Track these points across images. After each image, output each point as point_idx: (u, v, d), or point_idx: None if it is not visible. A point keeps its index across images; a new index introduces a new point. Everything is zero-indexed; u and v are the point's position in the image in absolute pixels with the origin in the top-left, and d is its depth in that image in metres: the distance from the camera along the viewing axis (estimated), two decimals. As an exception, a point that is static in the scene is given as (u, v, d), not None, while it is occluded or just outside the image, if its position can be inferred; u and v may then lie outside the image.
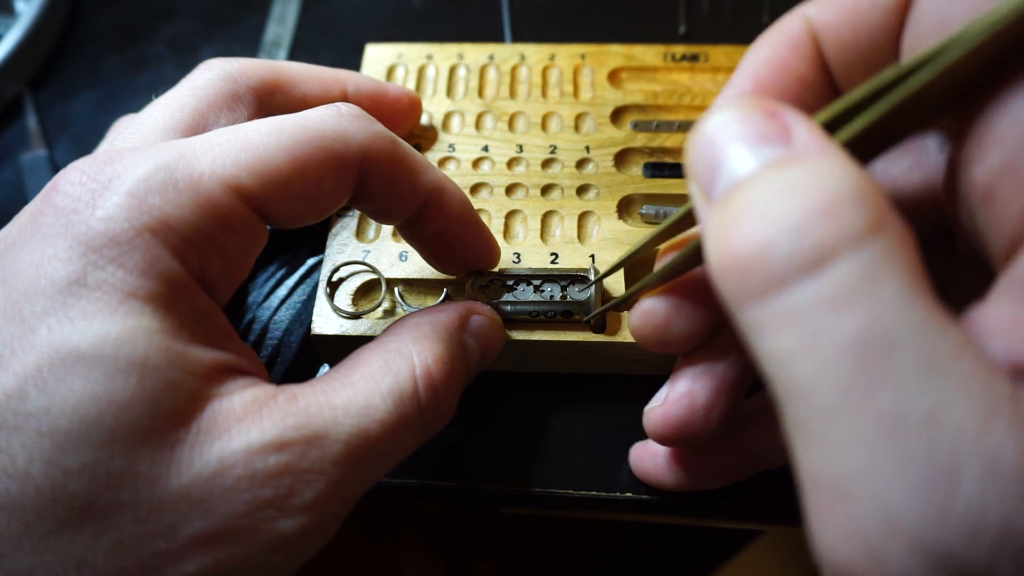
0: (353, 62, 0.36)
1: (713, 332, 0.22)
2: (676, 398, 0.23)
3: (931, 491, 0.12)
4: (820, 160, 0.14)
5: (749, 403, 0.25)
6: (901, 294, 0.13)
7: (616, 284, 0.29)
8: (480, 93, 0.35)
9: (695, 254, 0.20)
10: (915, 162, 0.21)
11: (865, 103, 0.16)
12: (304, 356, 0.32)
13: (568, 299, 0.28)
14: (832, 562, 0.13)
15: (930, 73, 0.15)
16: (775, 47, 0.20)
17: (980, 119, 0.16)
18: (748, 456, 0.25)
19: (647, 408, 0.24)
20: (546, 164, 0.32)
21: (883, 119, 0.16)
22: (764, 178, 0.14)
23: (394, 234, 0.30)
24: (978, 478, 0.12)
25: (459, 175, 0.32)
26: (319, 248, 0.34)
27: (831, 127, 0.16)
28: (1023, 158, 0.14)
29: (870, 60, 0.19)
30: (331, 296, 0.29)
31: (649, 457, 0.27)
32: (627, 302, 0.25)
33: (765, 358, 0.14)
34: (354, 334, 0.28)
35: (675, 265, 0.21)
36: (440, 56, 0.36)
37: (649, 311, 0.22)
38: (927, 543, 0.12)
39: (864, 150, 0.17)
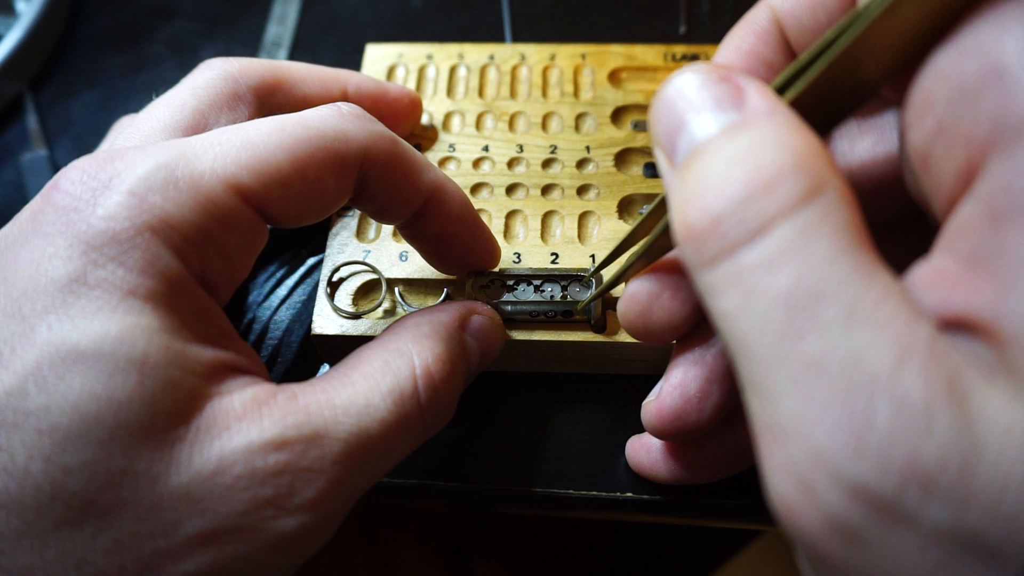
0: (353, 62, 0.36)
1: (698, 319, 0.23)
2: (669, 390, 0.23)
3: (849, 429, 0.13)
4: (767, 125, 0.16)
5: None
6: (832, 250, 0.14)
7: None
8: (480, 93, 0.35)
9: (668, 229, 0.21)
10: (879, 138, 0.22)
11: (811, 64, 0.17)
12: (304, 356, 0.32)
13: (568, 299, 0.28)
14: (776, 502, 0.14)
15: (856, 30, 0.16)
16: (744, 36, 0.21)
17: (915, 83, 0.16)
18: (741, 451, 0.25)
19: (644, 402, 0.24)
20: (546, 164, 0.32)
21: (822, 78, 0.17)
22: (717, 146, 0.16)
23: (394, 234, 0.30)
24: (889, 416, 0.13)
25: (459, 175, 0.32)
26: (319, 248, 0.34)
27: (784, 91, 0.18)
28: (952, 119, 0.15)
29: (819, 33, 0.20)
30: (331, 296, 0.29)
31: (644, 451, 0.27)
32: (615, 286, 0.26)
33: (717, 318, 0.15)
34: (354, 334, 0.28)
35: (655, 242, 0.22)
36: (440, 56, 0.36)
37: (633, 295, 0.23)
38: (847, 476, 0.13)
39: (818, 116, 0.17)
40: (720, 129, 0.16)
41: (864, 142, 0.22)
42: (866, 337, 0.13)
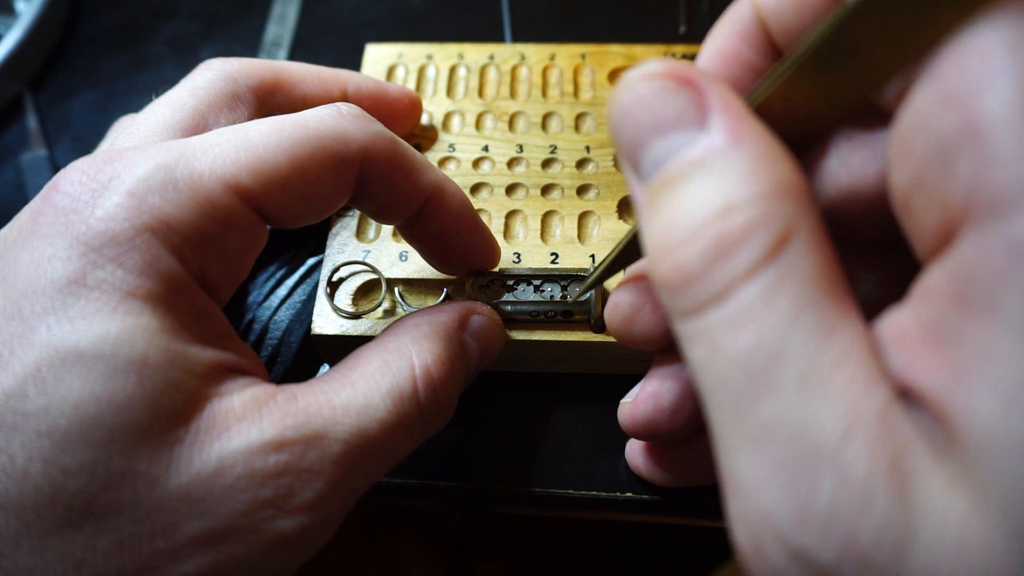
0: (353, 62, 0.36)
1: None
2: (644, 398, 0.23)
3: (795, 497, 0.13)
4: (734, 158, 0.15)
5: None
6: (794, 308, 0.14)
7: (615, 281, 0.28)
8: (480, 93, 0.35)
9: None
10: (871, 155, 0.20)
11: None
12: (304, 356, 0.32)
13: (568, 299, 0.28)
14: (735, 545, 0.15)
15: (824, 29, 0.15)
16: (726, 36, 0.20)
17: (896, 119, 0.15)
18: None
19: (621, 401, 0.25)
20: (546, 164, 0.32)
21: (790, 83, 0.16)
22: (684, 184, 0.15)
23: (394, 234, 0.30)
24: (831, 488, 0.13)
25: (459, 175, 0.32)
26: (319, 248, 0.34)
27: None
28: (930, 176, 0.13)
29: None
30: (331, 296, 0.29)
31: (643, 454, 0.27)
32: (600, 281, 0.26)
33: (688, 362, 0.15)
34: (354, 334, 0.28)
35: (629, 247, 0.22)
36: (440, 56, 0.36)
37: (616, 304, 0.23)
38: (790, 541, 0.13)
39: (794, 125, 0.16)
40: (685, 159, 0.15)
41: (855, 159, 0.20)
42: (817, 405, 0.13)
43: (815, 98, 0.16)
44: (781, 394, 0.13)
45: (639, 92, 0.16)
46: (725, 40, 0.19)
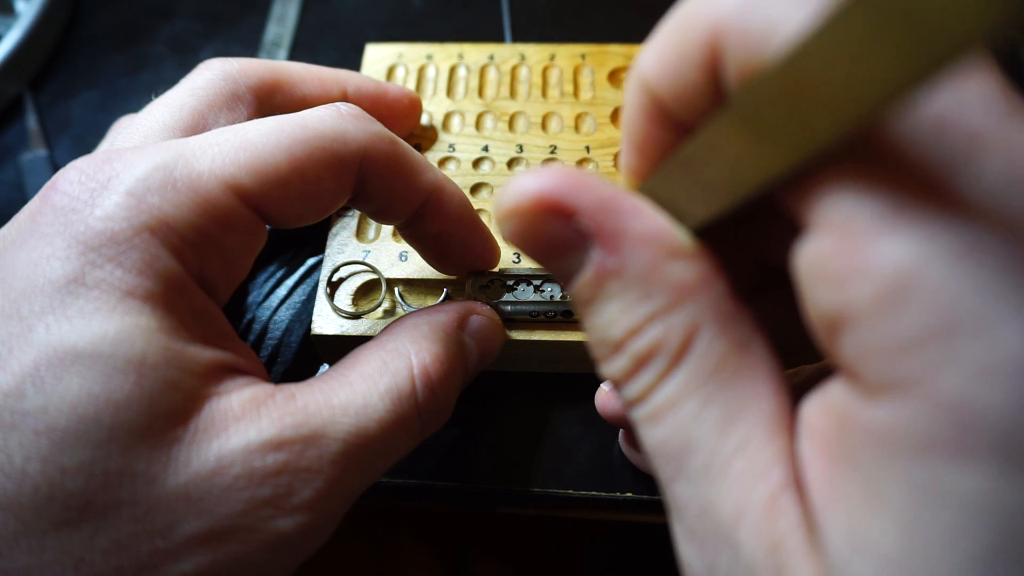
0: (353, 62, 0.36)
1: None
2: (615, 394, 0.24)
3: (703, 562, 0.15)
4: (624, 280, 0.15)
5: None
6: (699, 404, 0.15)
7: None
8: (480, 93, 0.35)
9: None
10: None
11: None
12: (304, 356, 0.32)
13: (568, 299, 0.28)
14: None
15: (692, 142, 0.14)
16: (631, 113, 0.17)
17: (792, 262, 0.14)
18: None
19: (600, 387, 0.26)
20: (546, 164, 0.32)
21: (671, 180, 0.16)
22: (589, 310, 0.16)
23: (394, 234, 0.30)
24: (727, 563, 0.14)
25: (459, 175, 0.32)
26: (319, 248, 0.34)
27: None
28: (821, 335, 0.14)
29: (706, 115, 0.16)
30: (331, 296, 0.29)
31: (622, 436, 0.28)
32: None
33: None
34: (354, 334, 0.28)
35: None
36: (440, 56, 0.36)
37: (605, 401, 0.25)
38: None
39: (693, 206, 0.15)
40: (582, 282, 0.16)
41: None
42: (717, 491, 0.14)
43: (712, 182, 0.15)
44: (689, 479, 0.15)
45: (513, 227, 0.16)
46: (633, 122, 0.18)
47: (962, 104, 0.12)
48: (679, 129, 0.17)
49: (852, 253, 0.12)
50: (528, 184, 0.15)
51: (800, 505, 0.14)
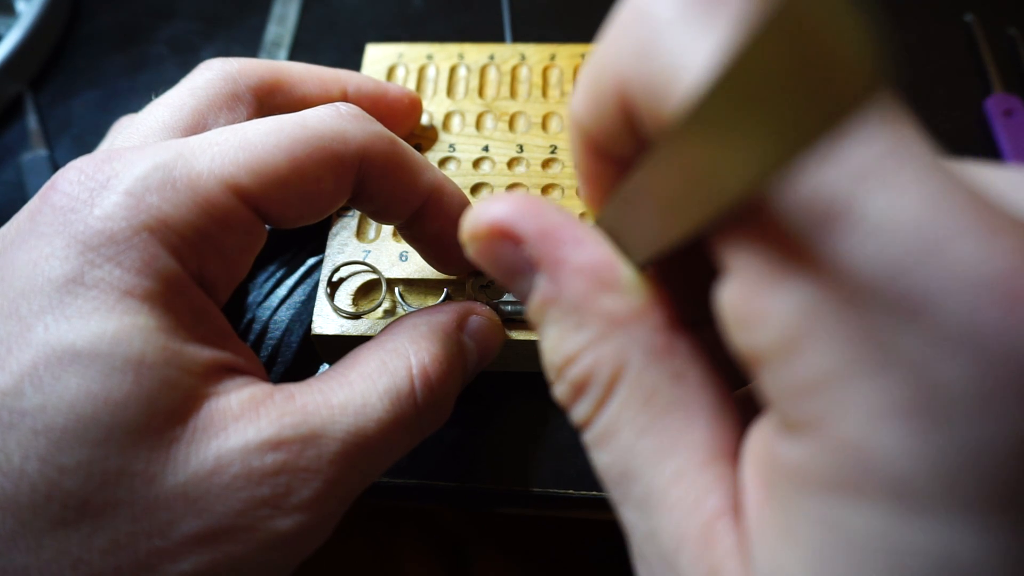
0: (353, 62, 0.36)
1: None
2: None
3: None
4: (561, 307, 0.16)
5: None
6: (634, 434, 0.15)
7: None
8: (480, 93, 0.35)
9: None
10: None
11: None
12: (304, 356, 0.32)
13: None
14: None
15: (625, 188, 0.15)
16: (575, 150, 0.18)
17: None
18: None
19: None
20: (546, 164, 0.32)
21: (608, 218, 0.16)
22: (540, 329, 0.17)
23: (394, 234, 0.30)
24: None
25: (459, 175, 0.32)
26: (319, 248, 0.34)
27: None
28: (745, 365, 0.14)
29: (639, 150, 0.17)
30: (331, 296, 0.29)
31: None
32: None
33: None
34: (354, 334, 0.28)
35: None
36: (440, 56, 0.36)
37: None
38: None
39: (643, 239, 0.16)
40: (531, 306, 0.17)
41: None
42: (656, 520, 0.15)
43: (643, 224, 0.15)
44: (633, 506, 0.15)
45: (475, 251, 0.17)
46: (576, 155, 0.18)
47: (830, 169, 0.12)
48: (617, 163, 0.18)
49: (753, 301, 0.12)
50: (486, 211, 0.16)
51: (736, 532, 0.14)
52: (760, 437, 0.14)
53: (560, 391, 0.17)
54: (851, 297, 0.11)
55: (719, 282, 0.14)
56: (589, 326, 0.15)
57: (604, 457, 0.16)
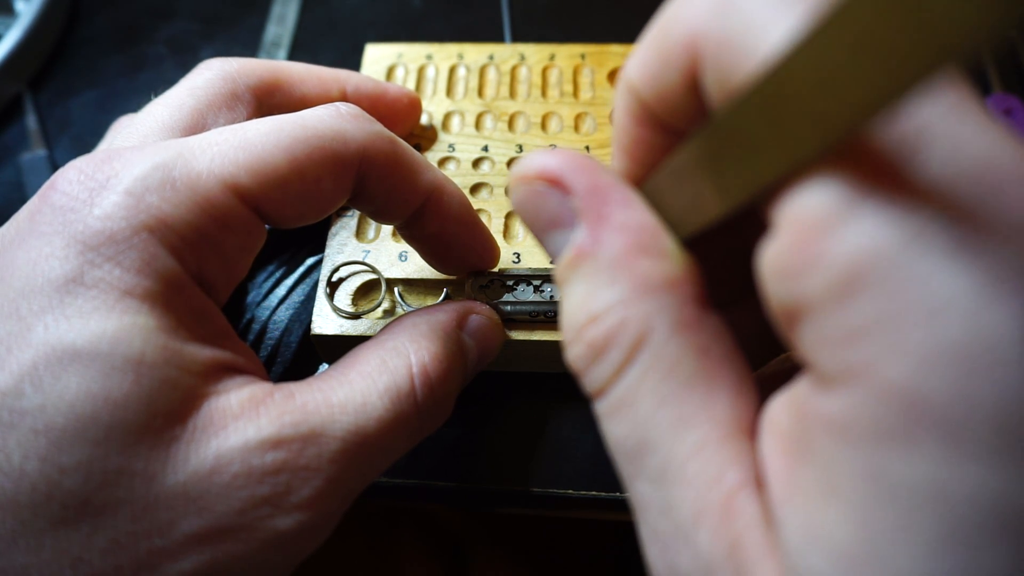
0: (353, 62, 0.36)
1: None
2: None
3: (664, 562, 0.15)
4: (596, 263, 0.16)
5: None
6: (654, 403, 0.15)
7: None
8: (480, 93, 0.35)
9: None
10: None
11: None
12: (303, 356, 0.32)
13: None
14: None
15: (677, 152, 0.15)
16: (620, 117, 0.18)
17: (757, 261, 0.14)
18: None
19: None
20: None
21: (663, 181, 0.16)
22: (565, 286, 0.17)
23: (394, 234, 0.30)
24: (688, 562, 0.14)
25: (459, 175, 0.32)
26: (318, 248, 0.34)
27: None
28: (781, 327, 0.14)
29: (696, 116, 0.16)
30: (331, 296, 0.29)
31: None
32: None
33: None
34: (354, 334, 0.28)
35: None
36: (440, 56, 0.36)
37: None
38: None
39: (687, 210, 0.16)
40: (563, 260, 0.16)
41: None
42: (674, 493, 0.15)
43: (699, 192, 0.15)
44: (649, 480, 0.15)
45: (519, 196, 0.17)
46: (621, 123, 0.18)
47: (902, 115, 0.12)
48: (667, 132, 0.17)
49: (807, 246, 0.12)
50: (538, 159, 0.17)
51: (759, 503, 0.14)
52: (785, 405, 0.14)
53: (576, 352, 0.16)
54: (916, 235, 0.11)
55: (764, 241, 0.13)
56: (621, 284, 0.15)
57: (620, 428, 0.16)
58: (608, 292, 0.15)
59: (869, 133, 0.12)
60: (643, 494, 0.15)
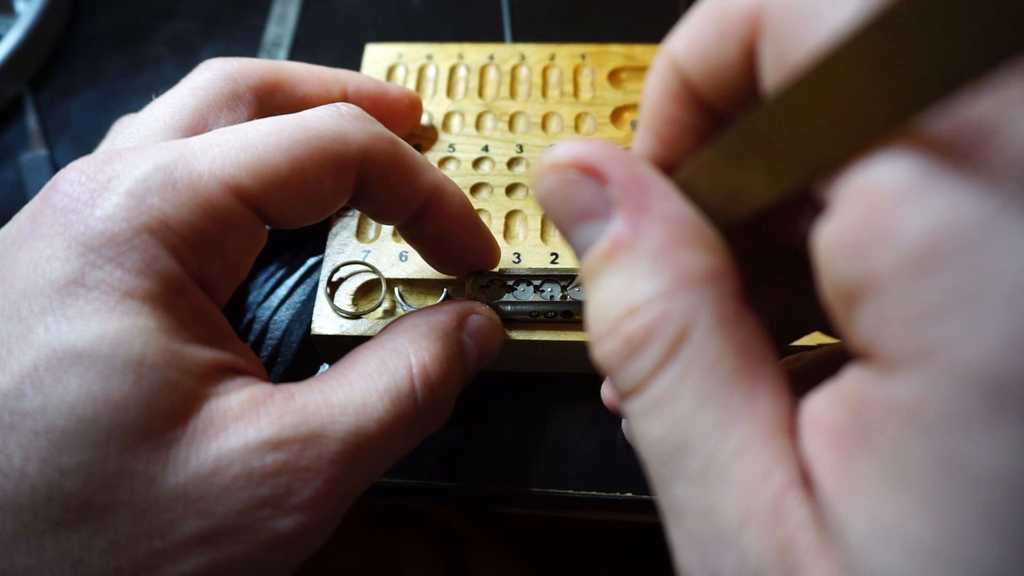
0: (353, 62, 0.36)
1: None
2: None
3: (705, 568, 0.14)
4: (635, 254, 0.15)
5: None
6: (696, 400, 0.14)
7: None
8: (480, 93, 0.35)
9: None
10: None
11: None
12: (304, 356, 0.32)
13: (568, 299, 0.28)
14: None
15: (728, 131, 0.14)
16: (655, 95, 0.17)
17: (814, 243, 0.14)
18: None
19: (605, 381, 0.26)
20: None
21: (708, 167, 0.15)
22: (597, 279, 0.16)
23: (394, 234, 0.30)
24: (733, 567, 0.14)
25: (459, 175, 0.32)
26: (319, 248, 0.34)
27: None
28: (840, 311, 0.13)
29: (742, 97, 0.16)
30: (331, 296, 0.29)
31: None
32: None
33: None
34: (354, 334, 0.28)
35: None
36: (440, 56, 0.36)
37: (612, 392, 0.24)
38: None
39: (726, 199, 0.15)
40: (596, 252, 0.16)
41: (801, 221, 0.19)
42: (717, 494, 0.14)
43: (747, 179, 0.15)
44: (688, 481, 0.14)
45: (549, 184, 0.16)
46: (656, 100, 0.17)
47: (974, 100, 0.11)
48: (708, 114, 0.17)
49: (878, 220, 0.12)
50: (573, 147, 0.16)
51: (808, 504, 0.13)
52: (832, 399, 0.14)
53: (609, 348, 0.15)
54: (997, 210, 0.11)
55: (819, 221, 0.13)
56: (662, 277, 0.15)
57: (657, 428, 0.15)
58: (649, 284, 0.15)
59: (946, 111, 0.11)
60: (680, 497, 0.15)
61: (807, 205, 0.15)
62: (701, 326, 0.15)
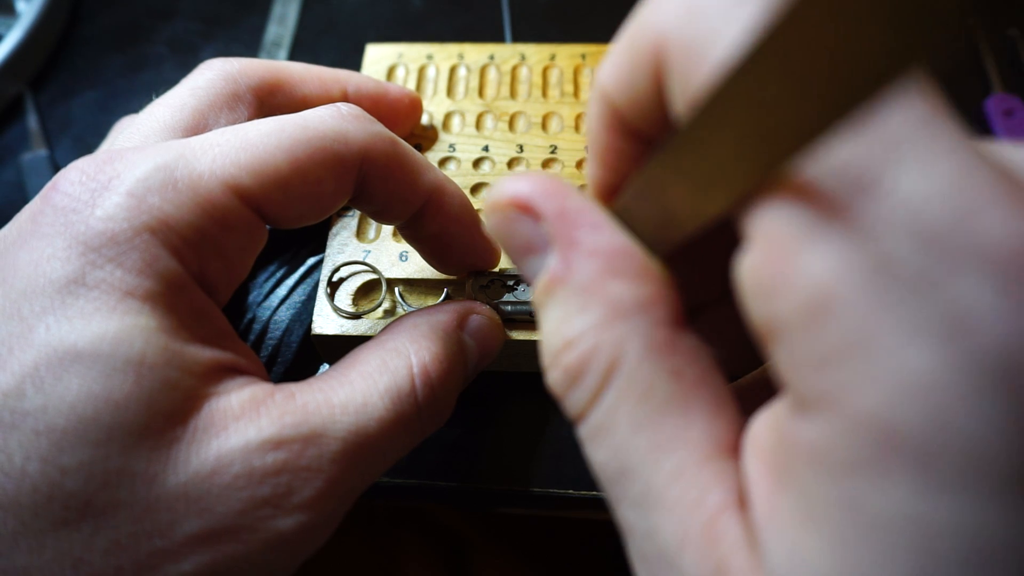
0: (353, 62, 0.36)
1: None
2: None
3: None
4: (568, 289, 0.16)
5: None
6: (630, 429, 0.15)
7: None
8: (480, 93, 0.35)
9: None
10: None
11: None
12: (304, 356, 0.32)
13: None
14: None
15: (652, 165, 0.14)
16: (592, 124, 0.18)
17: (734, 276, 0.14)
18: None
19: None
20: (547, 164, 0.32)
21: (633, 198, 0.16)
22: (541, 312, 0.16)
23: (394, 234, 0.30)
24: None
25: (459, 175, 0.32)
26: (319, 248, 0.34)
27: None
28: (761, 345, 0.14)
29: (665, 124, 0.16)
30: (331, 296, 0.29)
31: None
32: None
33: None
34: (354, 334, 0.28)
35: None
36: (440, 56, 0.36)
37: None
38: None
39: (661, 225, 0.15)
40: (538, 285, 0.16)
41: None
42: (656, 518, 0.14)
43: (674, 205, 0.15)
44: (632, 504, 0.15)
45: (493, 223, 0.17)
46: (594, 130, 0.18)
47: (864, 137, 0.12)
48: (640, 140, 0.17)
49: (778, 265, 0.12)
50: (509, 185, 0.16)
51: (742, 525, 0.14)
52: (768, 424, 0.14)
53: (554, 377, 0.16)
54: (882, 264, 0.11)
55: (739, 253, 0.13)
56: (593, 310, 0.15)
57: (600, 453, 0.16)
58: (581, 318, 0.15)
59: (831, 148, 0.11)
60: (627, 519, 0.15)
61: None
62: (631, 356, 0.15)
